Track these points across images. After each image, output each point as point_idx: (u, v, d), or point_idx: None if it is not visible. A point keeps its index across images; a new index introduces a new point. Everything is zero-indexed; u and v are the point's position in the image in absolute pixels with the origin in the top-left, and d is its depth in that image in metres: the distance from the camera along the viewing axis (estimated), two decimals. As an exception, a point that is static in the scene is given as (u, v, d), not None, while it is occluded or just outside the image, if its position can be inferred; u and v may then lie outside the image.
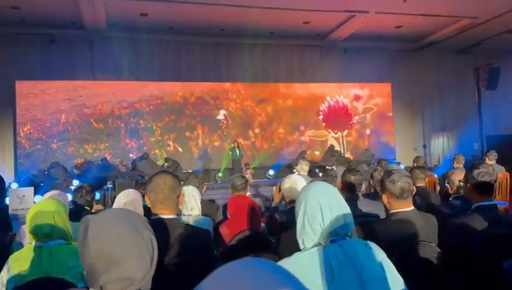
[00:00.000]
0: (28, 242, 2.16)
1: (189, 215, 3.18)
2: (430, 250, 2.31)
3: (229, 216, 3.45)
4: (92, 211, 4.14)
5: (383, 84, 15.52)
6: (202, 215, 3.34)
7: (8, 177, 11.65)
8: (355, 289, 1.41)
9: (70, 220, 2.29)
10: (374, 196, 4.12)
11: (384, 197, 2.53)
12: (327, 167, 3.98)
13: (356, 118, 15.37)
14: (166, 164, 12.23)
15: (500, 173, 6.98)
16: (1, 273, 2.07)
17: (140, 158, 12.10)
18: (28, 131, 12.42)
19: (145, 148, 13.00)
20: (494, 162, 7.52)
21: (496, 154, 7.81)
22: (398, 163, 12.38)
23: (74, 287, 1.57)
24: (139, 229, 1.20)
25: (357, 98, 15.42)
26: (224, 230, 3.31)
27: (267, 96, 14.59)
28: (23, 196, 8.06)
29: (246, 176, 6.22)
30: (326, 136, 14.99)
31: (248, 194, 4.06)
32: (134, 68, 12.78)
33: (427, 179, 4.95)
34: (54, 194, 3.02)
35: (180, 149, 13.49)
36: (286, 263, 1.52)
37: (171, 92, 13.73)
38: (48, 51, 12.19)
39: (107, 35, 12.32)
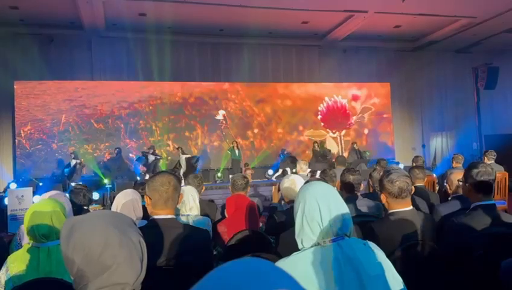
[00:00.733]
0: (27, 243, 2.16)
1: (188, 215, 3.17)
2: (428, 249, 2.31)
3: (227, 215, 3.45)
4: (91, 210, 4.14)
5: (381, 84, 15.54)
6: (201, 215, 3.34)
7: (7, 178, 11.67)
8: (355, 288, 1.41)
9: None
10: (372, 195, 4.12)
11: (383, 197, 2.53)
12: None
13: (354, 118, 15.39)
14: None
15: (499, 172, 6.98)
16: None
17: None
18: (29, 131, 12.49)
19: (145, 148, 13.02)
20: (493, 161, 7.52)
21: (495, 153, 7.81)
22: (397, 163, 12.40)
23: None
24: (127, 233, 1.16)
25: (356, 98, 15.44)
26: (222, 229, 3.31)
27: (265, 97, 14.60)
28: (22, 196, 8.05)
29: (246, 175, 6.22)
30: (325, 136, 15.00)
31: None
32: (132, 68, 12.78)
33: (426, 179, 4.94)
34: (53, 194, 3.02)
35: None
36: (285, 263, 1.52)
37: (171, 92, 13.75)
38: (46, 51, 12.18)
39: (106, 35, 12.32)
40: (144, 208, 2.71)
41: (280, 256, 1.85)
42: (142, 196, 2.72)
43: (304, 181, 3.27)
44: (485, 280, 2.13)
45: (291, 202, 3.27)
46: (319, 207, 1.53)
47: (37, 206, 2.17)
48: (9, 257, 2.11)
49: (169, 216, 2.16)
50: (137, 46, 12.69)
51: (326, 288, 1.43)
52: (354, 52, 14.48)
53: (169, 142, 13.70)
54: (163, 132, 13.66)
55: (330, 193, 1.60)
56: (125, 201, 2.86)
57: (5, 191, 9.75)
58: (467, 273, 2.24)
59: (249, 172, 9.77)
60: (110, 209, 4.06)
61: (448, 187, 3.77)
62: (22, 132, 12.37)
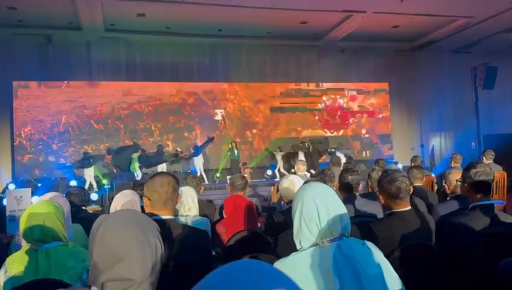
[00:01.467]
0: (26, 244, 2.15)
1: (187, 215, 3.17)
2: (427, 250, 2.31)
3: (225, 216, 3.45)
4: (89, 211, 4.14)
5: (380, 84, 15.55)
6: (200, 215, 3.34)
7: (6, 179, 11.66)
8: (353, 289, 1.42)
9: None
10: (371, 195, 4.12)
11: (382, 197, 2.53)
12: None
13: (352, 118, 15.41)
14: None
15: (498, 172, 6.99)
16: (-2, 275, 2.06)
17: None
18: (29, 132, 12.51)
19: (144, 148, 13.03)
20: (491, 161, 7.54)
21: (493, 153, 7.83)
22: (396, 163, 12.42)
23: (74, 287, 1.57)
24: (146, 232, 1.22)
25: (354, 98, 15.46)
26: (220, 229, 3.31)
27: (264, 97, 14.62)
28: (21, 197, 8.03)
29: (245, 175, 6.21)
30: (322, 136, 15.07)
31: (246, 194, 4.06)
32: (131, 69, 12.78)
33: (424, 179, 4.94)
34: (52, 195, 3.01)
35: (178, 149, 13.51)
36: (283, 264, 1.52)
37: (170, 93, 13.77)
38: (45, 52, 12.17)
39: (104, 35, 12.31)
40: (142, 209, 2.70)
41: (279, 256, 1.85)
42: (141, 197, 2.71)
43: (302, 181, 3.27)
44: (483, 280, 2.14)
45: (290, 202, 3.27)
46: (317, 208, 1.54)
47: (31, 209, 2.16)
48: (8, 258, 2.11)
49: (168, 217, 2.17)
50: (135, 47, 12.68)
51: (325, 288, 1.43)
52: (353, 52, 14.49)
53: (169, 143, 13.72)
54: (162, 132, 13.69)
55: (328, 194, 1.60)
56: (124, 202, 2.86)
57: (3, 192, 9.74)
58: (466, 273, 2.24)
59: (247, 171, 9.76)
60: (108, 210, 4.06)
61: (446, 187, 3.77)
62: (22, 132, 12.40)
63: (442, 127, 15.79)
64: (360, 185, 3.90)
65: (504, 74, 14.76)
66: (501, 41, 14.21)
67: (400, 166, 10.20)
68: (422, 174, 4.70)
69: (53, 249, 2.05)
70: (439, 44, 14.61)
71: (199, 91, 14.03)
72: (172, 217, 2.21)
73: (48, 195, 2.94)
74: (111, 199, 5.35)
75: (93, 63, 12.80)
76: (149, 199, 2.16)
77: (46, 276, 1.93)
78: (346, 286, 1.42)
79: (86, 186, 10.82)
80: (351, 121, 15.38)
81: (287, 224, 2.68)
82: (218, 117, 14.19)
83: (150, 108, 13.57)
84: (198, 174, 12.64)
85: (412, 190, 2.61)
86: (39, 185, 10.78)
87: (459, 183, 2.90)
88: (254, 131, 14.52)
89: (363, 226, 2.51)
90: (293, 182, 3.52)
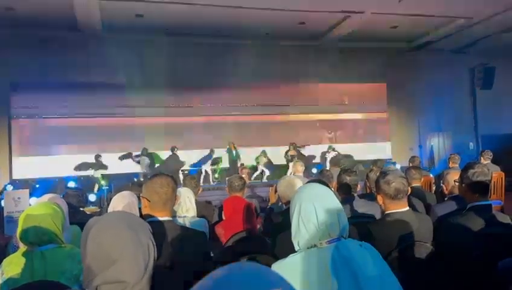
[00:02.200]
0: (23, 246, 2.15)
1: (185, 216, 3.17)
2: (425, 250, 2.31)
3: (224, 217, 3.45)
4: (87, 212, 4.13)
5: (378, 84, 15.56)
6: (198, 216, 3.34)
7: (4, 180, 11.63)
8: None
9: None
10: (369, 196, 4.12)
11: (380, 198, 2.53)
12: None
13: (350, 118, 15.42)
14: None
15: (495, 172, 7.02)
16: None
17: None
18: (29, 133, 12.49)
19: (144, 149, 13.04)
20: (489, 161, 7.57)
21: (491, 153, 7.86)
22: (394, 163, 12.43)
23: (72, 289, 1.57)
24: (138, 233, 1.21)
25: (351, 98, 15.47)
26: (219, 231, 3.31)
27: (262, 97, 14.62)
28: (19, 198, 8.04)
29: (243, 176, 6.20)
30: (320, 137, 15.08)
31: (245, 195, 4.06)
32: (129, 69, 12.75)
33: (422, 179, 4.96)
34: (50, 197, 3.00)
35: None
36: (281, 265, 1.52)
37: (168, 93, 13.77)
38: (42, 53, 12.13)
39: (102, 36, 12.29)
40: (139, 210, 2.70)
41: (277, 257, 1.85)
42: (138, 197, 2.71)
43: (300, 182, 3.28)
44: (481, 281, 2.14)
45: (289, 203, 3.27)
46: (315, 209, 1.54)
47: (28, 211, 2.16)
48: (4, 260, 2.10)
49: (166, 218, 2.16)
50: (133, 47, 12.66)
51: (323, 289, 1.43)
52: (351, 52, 14.49)
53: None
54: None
55: (326, 195, 1.60)
56: (122, 203, 2.85)
57: (1, 193, 9.73)
58: (464, 274, 2.24)
59: (245, 172, 9.75)
60: (106, 211, 4.05)
61: (444, 187, 3.78)
62: (22, 133, 12.40)
63: (441, 127, 15.80)
64: (359, 185, 3.91)
65: (502, 74, 14.79)
66: (499, 42, 14.23)
67: (398, 166, 10.22)
68: (420, 174, 4.71)
69: (49, 251, 2.05)
70: (437, 44, 14.62)
71: (197, 92, 14.02)
72: (171, 219, 2.20)
73: (46, 197, 2.93)
74: (109, 200, 5.34)
75: (91, 64, 12.77)
76: (148, 200, 2.16)
77: (42, 278, 1.93)
78: (344, 287, 1.42)
79: (96, 189, 10.96)
80: (348, 121, 15.39)
81: (285, 225, 2.67)
82: (217, 118, 14.18)
83: (148, 108, 13.58)
84: (204, 172, 12.72)
85: (409, 191, 2.61)
86: (37, 186, 10.77)
87: (457, 183, 2.91)
88: (252, 131, 14.52)
89: (361, 227, 2.51)
90: (291, 183, 3.52)
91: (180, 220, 3.07)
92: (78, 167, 12.65)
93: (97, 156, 12.49)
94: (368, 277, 1.45)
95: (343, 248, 1.49)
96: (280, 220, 3.33)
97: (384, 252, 1.59)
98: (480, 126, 15.73)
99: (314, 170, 12.17)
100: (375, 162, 7.77)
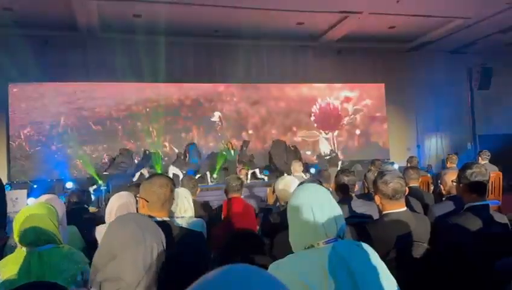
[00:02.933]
0: (20, 246, 2.14)
1: (183, 217, 3.16)
2: (422, 250, 2.31)
3: (223, 218, 3.44)
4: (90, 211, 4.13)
5: (376, 84, 15.57)
6: (196, 217, 3.33)
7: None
8: (348, 290, 1.42)
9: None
10: (367, 196, 4.12)
11: (377, 198, 2.53)
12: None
13: (346, 118, 15.43)
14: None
15: (493, 172, 7.03)
16: (-9, 278, 2.05)
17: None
18: (28, 133, 12.48)
19: (142, 149, 13.03)
20: (487, 161, 7.58)
21: (489, 153, 7.87)
22: (392, 163, 12.43)
23: (72, 289, 1.57)
24: (144, 233, 1.21)
25: (349, 99, 15.48)
26: (218, 232, 3.31)
27: (260, 98, 14.62)
28: (17, 198, 8.02)
29: (241, 176, 6.21)
30: (318, 137, 15.07)
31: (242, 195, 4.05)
32: (128, 69, 12.73)
33: (420, 179, 4.96)
34: (48, 198, 3.00)
35: (175, 150, 13.50)
36: (279, 265, 1.52)
37: (167, 94, 13.76)
38: (41, 53, 12.10)
39: (101, 36, 12.28)
40: (136, 211, 2.69)
41: (275, 258, 1.85)
42: (135, 197, 2.70)
43: (298, 182, 3.27)
44: (479, 280, 2.14)
45: (287, 203, 3.27)
46: (312, 209, 1.54)
47: (24, 211, 2.15)
48: (0, 261, 2.10)
49: (165, 218, 2.16)
50: (132, 48, 12.65)
51: (321, 290, 1.43)
52: (349, 53, 14.50)
53: (166, 144, 13.73)
54: (159, 133, 13.68)
55: (323, 195, 1.60)
56: (120, 204, 2.85)
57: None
58: (461, 274, 2.24)
59: (243, 172, 9.77)
60: (104, 211, 4.05)
61: (442, 188, 3.78)
62: (22, 134, 12.39)
63: (438, 127, 15.82)
64: (356, 185, 3.91)
65: (500, 75, 14.82)
66: (497, 42, 14.26)
67: (396, 166, 10.22)
68: (418, 174, 4.71)
69: (46, 252, 2.04)
70: (435, 45, 14.64)
71: (196, 92, 14.02)
72: (169, 219, 2.20)
73: (44, 197, 2.93)
74: (107, 200, 5.34)
75: (90, 64, 12.76)
76: (146, 201, 2.15)
77: (40, 279, 1.92)
78: (342, 287, 1.42)
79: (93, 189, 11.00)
80: (345, 121, 15.40)
81: (283, 225, 2.67)
82: (215, 118, 14.18)
83: (147, 109, 13.57)
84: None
85: (407, 191, 2.62)
86: (35, 186, 10.74)
87: (454, 183, 2.91)
88: (250, 132, 14.52)
89: (358, 227, 2.51)
90: (288, 183, 3.52)
91: (178, 221, 3.06)
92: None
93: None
94: (365, 277, 1.45)
95: (341, 248, 1.49)
96: (278, 220, 3.33)
97: (381, 253, 1.59)
98: (478, 126, 15.76)
99: (312, 170, 12.16)
100: (373, 162, 7.78)
